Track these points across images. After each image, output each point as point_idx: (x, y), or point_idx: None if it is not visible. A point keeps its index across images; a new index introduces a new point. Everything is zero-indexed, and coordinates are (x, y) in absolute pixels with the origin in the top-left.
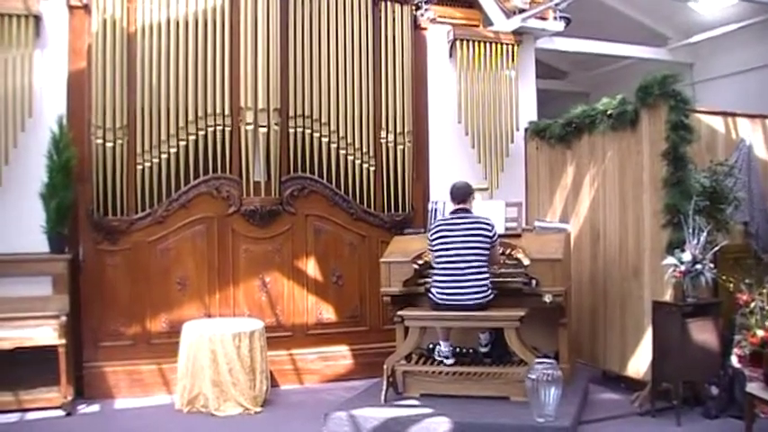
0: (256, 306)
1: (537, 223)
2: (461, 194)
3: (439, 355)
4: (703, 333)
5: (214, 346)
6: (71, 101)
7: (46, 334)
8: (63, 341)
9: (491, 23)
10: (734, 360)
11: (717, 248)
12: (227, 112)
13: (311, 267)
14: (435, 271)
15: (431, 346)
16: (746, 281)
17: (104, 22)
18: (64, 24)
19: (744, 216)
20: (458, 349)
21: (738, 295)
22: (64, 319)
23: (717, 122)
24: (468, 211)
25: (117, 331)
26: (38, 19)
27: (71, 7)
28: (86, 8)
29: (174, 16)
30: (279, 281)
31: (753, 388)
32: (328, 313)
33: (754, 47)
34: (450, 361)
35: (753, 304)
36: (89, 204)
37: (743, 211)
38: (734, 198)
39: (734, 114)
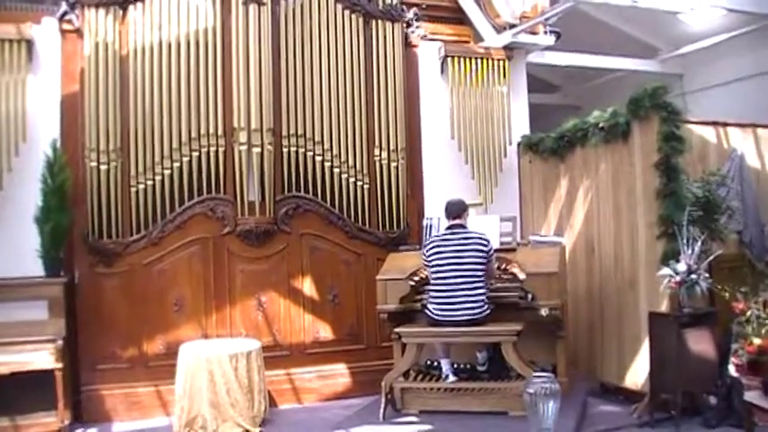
0: (253, 326)
1: (532, 237)
2: (456, 210)
3: (444, 377)
4: (700, 343)
5: (211, 366)
6: (65, 124)
7: (42, 358)
8: (60, 365)
9: (482, 39)
10: (731, 369)
11: (711, 258)
12: (220, 132)
13: (307, 286)
14: (431, 287)
15: (428, 362)
16: (742, 289)
17: (96, 45)
18: (56, 48)
19: (737, 225)
20: (456, 365)
21: (734, 304)
22: (60, 342)
23: (708, 133)
24: (462, 226)
25: (114, 354)
26: (30, 43)
27: (63, 31)
28: (78, 32)
29: (165, 38)
30: (275, 300)
31: (751, 396)
32: (325, 332)
33: (743, 56)
34: (452, 379)
35: (749, 313)
36: (84, 227)
37: (737, 221)
38: (727, 207)
39: (725, 124)
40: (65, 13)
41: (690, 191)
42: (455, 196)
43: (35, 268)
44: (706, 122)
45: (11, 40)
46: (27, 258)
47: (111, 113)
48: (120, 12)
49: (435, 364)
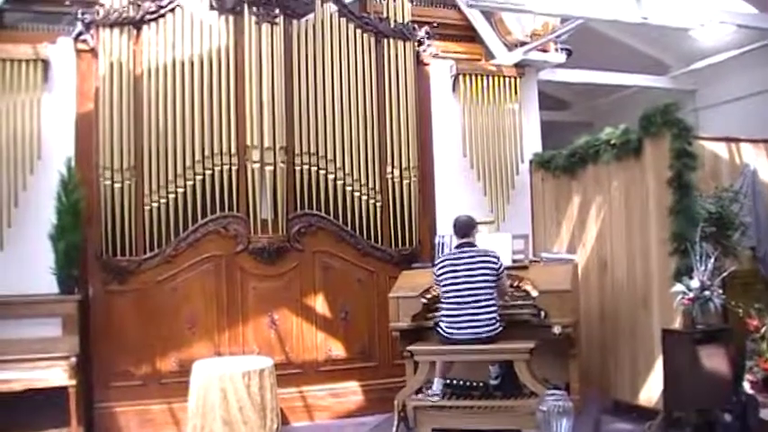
0: (266, 343)
1: (544, 254)
2: (464, 229)
3: (428, 396)
4: (714, 360)
5: (224, 384)
6: (79, 143)
7: (56, 375)
8: (73, 382)
9: (493, 57)
10: (746, 386)
11: (725, 274)
12: (233, 151)
13: (320, 304)
14: (443, 305)
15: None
16: (756, 306)
17: (111, 64)
18: (71, 68)
19: (751, 241)
20: (467, 383)
21: (748, 321)
22: (74, 360)
23: (720, 148)
24: (472, 244)
25: (127, 371)
26: (46, 63)
27: (78, 51)
28: (93, 52)
29: (179, 57)
30: (288, 318)
31: (766, 414)
32: (337, 349)
33: (755, 72)
34: (436, 399)
35: (763, 329)
36: (98, 245)
37: (750, 236)
38: (740, 223)
39: (737, 140)
40: (80, 33)
41: (702, 207)
42: (467, 214)
43: (49, 285)
44: (718, 138)
45: (27, 60)
46: (41, 276)
47: (126, 132)
48: (135, 31)
49: (450, 381)
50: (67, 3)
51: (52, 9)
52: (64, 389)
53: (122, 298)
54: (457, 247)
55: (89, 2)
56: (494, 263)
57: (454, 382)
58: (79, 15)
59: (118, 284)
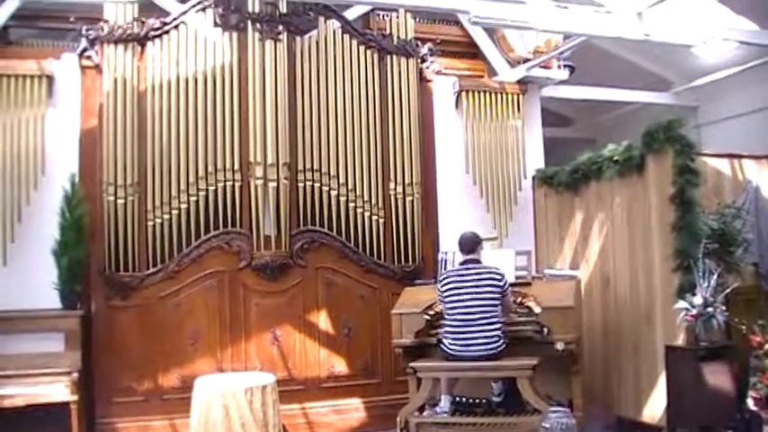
0: (268, 360)
1: (547, 271)
2: (469, 245)
3: (436, 413)
4: (718, 376)
5: (226, 400)
6: (83, 159)
7: (58, 390)
8: (75, 397)
9: (496, 74)
10: (750, 403)
11: (728, 291)
12: (236, 167)
13: (322, 320)
14: (446, 322)
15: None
16: (759, 322)
17: (115, 81)
18: (76, 84)
19: (754, 257)
20: (470, 400)
21: (752, 337)
22: (76, 375)
23: (723, 165)
24: (477, 261)
25: (129, 387)
26: (50, 79)
27: (83, 67)
28: (98, 68)
29: (183, 74)
30: (290, 334)
31: None
32: (340, 366)
33: (757, 88)
34: (445, 416)
35: (767, 346)
36: (101, 260)
37: (753, 253)
38: (743, 240)
39: (740, 156)
40: (85, 50)
41: (705, 223)
42: (470, 230)
43: (52, 301)
44: (720, 155)
45: (32, 76)
46: (44, 291)
47: (129, 148)
48: (139, 48)
49: (453, 399)
50: (72, 19)
51: (57, 25)
52: (66, 404)
53: (125, 313)
54: (462, 263)
55: (94, 18)
56: (498, 280)
57: (457, 398)
58: (84, 32)
59: (121, 300)
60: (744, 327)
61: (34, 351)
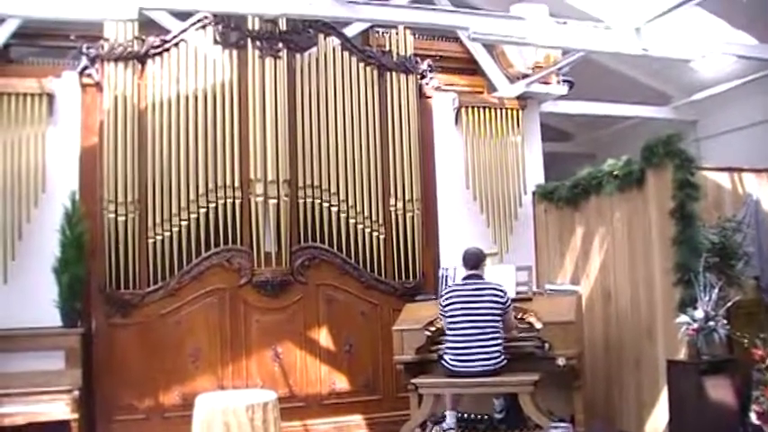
0: (269, 377)
1: (547, 286)
2: (473, 261)
3: (443, 429)
4: (720, 390)
5: (227, 418)
6: (83, 176)
7: (59, 409)
8: (76, 416)
9: (495, 89)
10: (752, 417)
11: (729, 304)
12: (237, 184)
13: (323, 337)
14: (448, 337)
15: (444, 413)
16: (761, 336)
17: (116, 98)
18: (76, 102)
19: (755, 270)
20: (472, 416)
21: (754, 351)
22: (77, 393)
23: (723, 179)
24: (480, 277)
25: (130, 405)
26: (51, 97)
27: (83, 85)
28: (98, 86)
29: (183, 92)
30: (291, 351)
31: None
32: (341, 382)
33: (756, 102)
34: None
35: None
36: (101, 278)
37: (753, 266)
38: (744, 253)
39: (740, 170)
40: (85, 68)
41: (705, 237)
42: (471, 245)
43: (52, 318)
44: (720, 168)
45: (32, 94)
46: (44, 308)
47: (130, 166)
48: (139, 66)
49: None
50: (73, 37)
51: (58, 44)
52: (66, 423)
53: (126, 331)
54: (464, 278)
55: (94, 36)
56: (501, 296)
57: (459, 415)
58: (84, 50)
59: (121, 317)
60: (746, 340)
61: (35, 369)
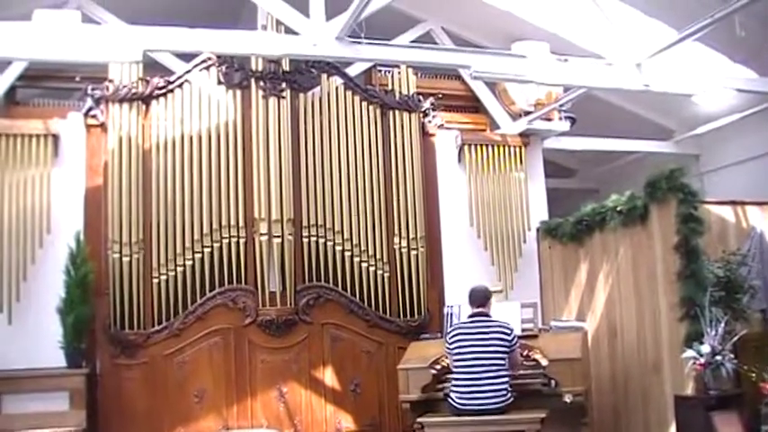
0: (274, 417)
1: (553, 323)
2: (480, 298)
3: None
4: (729, 426)
5: None
6: (88, 216)
7: None
8: None
9: (498, 127)
10: None
11: (736, 338)
12: (241, 223)
13: (329, 376)
14: (454, 375)
15: None
16: None
17: (120, 139)
18: (81, 143)
19: (761, 304)
20: None
21: (762, 385)
22: None
23: (726, 212)
24: (486, 314)
25: None
26: (56, 138)
27: (88, 126)
28: (103, 126)
29: (187, 132)
30: (296, 390)
31: None
32: (347, 422)
33: (758, 135)
34: None
35: None
36: (106, 318)
37: (760, 299)
38: (749, 287)
39: (743, 203)
40: (90, 109)
41: (710, 271)
42: (475, 283)
43: (57, 359)
44: (724, 202)
45: (38, 135)
46: (49, 349)
47: (134, 206)
48: (144, 107)
49: None
50: (78, 79)
51: (63, 85)
52: None
53: (130, 371)
54: (470, 316)
55: (99, 78)
56: (507, 334)
57: None
58: (89, 91)
59: (126, 358)
60: (754, 374)
61: (39, 410)
